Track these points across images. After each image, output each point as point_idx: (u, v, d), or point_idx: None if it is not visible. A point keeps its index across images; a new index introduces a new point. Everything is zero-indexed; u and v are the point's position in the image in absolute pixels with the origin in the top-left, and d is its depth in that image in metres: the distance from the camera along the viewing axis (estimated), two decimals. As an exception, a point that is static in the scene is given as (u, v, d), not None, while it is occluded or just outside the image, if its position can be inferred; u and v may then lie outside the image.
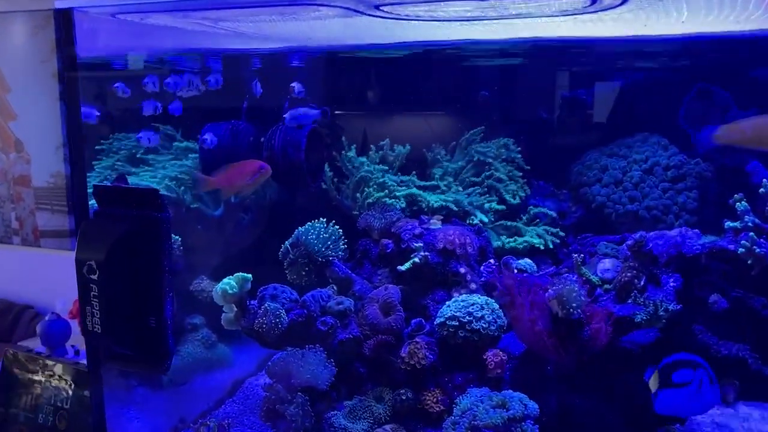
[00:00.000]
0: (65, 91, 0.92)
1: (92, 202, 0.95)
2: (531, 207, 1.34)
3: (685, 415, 1.02)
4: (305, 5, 0.89)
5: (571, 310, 0.97)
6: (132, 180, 1.28)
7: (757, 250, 0.95)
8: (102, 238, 0.89)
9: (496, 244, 1.29)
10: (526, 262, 1.23)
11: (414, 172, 1.37)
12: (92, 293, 0.88)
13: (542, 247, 1.25)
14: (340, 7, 0.87)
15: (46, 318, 1.57)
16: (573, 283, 0.98)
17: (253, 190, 1.25)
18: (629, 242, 1.04)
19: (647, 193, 1.27)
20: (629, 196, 1.28)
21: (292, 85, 1.21)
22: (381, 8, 0.88)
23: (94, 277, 0.88)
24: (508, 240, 1.27)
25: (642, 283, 1.02)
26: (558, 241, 1.29)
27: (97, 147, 1.42)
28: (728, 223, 1.03)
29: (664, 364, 0.93)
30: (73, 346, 1.60)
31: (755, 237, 0.96)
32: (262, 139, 1.32)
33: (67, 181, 2.25)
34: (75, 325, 1.65)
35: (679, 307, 0.98)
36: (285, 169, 1.30)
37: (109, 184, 0.94)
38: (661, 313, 0.97)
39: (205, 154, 1.30)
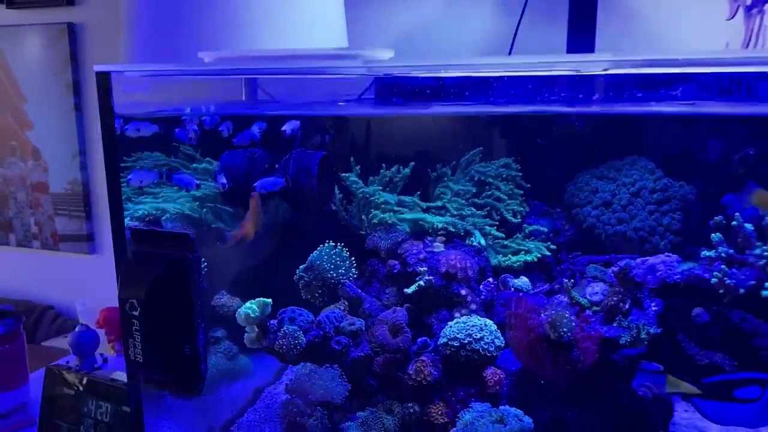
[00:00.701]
0: (104, 137, 1.01)
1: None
2: (526, 225, 1.44)
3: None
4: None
5: (562, 333, 1.08)
6: (156, 200, 1.39)
7: (728, 281, 1.06)
8: (141, 278, 1.00)
9: (494, 261, 1.40)
10: (522, 281, 1.34)
11: (418, 192, 1.47)
12: (134, 327, 0.99)
13: (535, 260, 1.36)
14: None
15: (77, 329, 1.69)
16: (564, 310, 1.09)
17: (262, 216, 1.34)
18: (615, 269, 1.15)
19: (635, 215, 1.37)
20: (618, 217, 1.38)
21: (283, 129, 1.32)
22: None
23: (136, 313, 0.99)
24: (504, 259, 1.37)
25: (627, 306, 1.13)
26: (549, 253, 1.39)
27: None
28: (704, 252, 1.13)
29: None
30: (101, 355, 1.72)
31: (726, 269, 1.06)
32: (277, 166, 1.42)
33: (83, 188, 2.35)
34: (102, 335, 1.77)
35: (659, 330, 1.09)
36: (298, 193, 1.40)
37: (142, 226, 1.04)
38: (643, 336, 1.08)
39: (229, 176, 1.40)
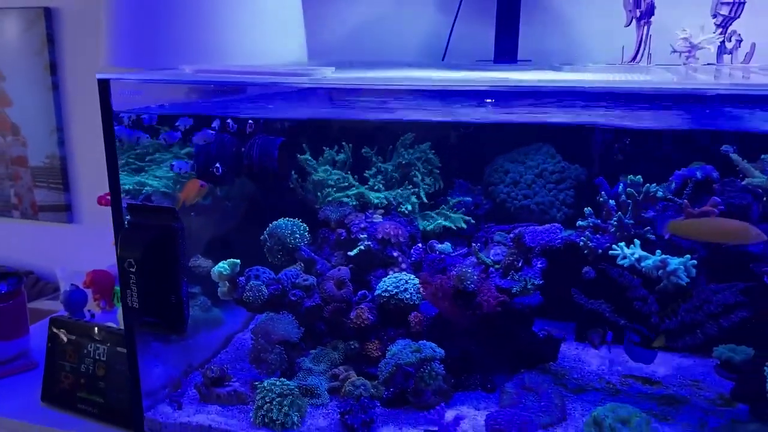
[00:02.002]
0: (106, 142, 1.26)
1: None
2: (450, 198, 1.74)
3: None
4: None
5: (467, 285, 1.39)
6: (141, 176, 1.65)
7: (590, 244, 1.38)
8: (137, 242, 1.27)
9: (422, 226, 1.70)
10: (445, 245, 1.64)
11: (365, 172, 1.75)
12: (131, 281, 1.27)
13: (455, 228, 1.66)
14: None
15: (68, 289, 1.94)
16: (467, 266, 1.40)
17: (198, 198, 1.62)
18: (512, 235, 1.46)
19: (537, 192, 1.68)
20: (524, 193, 1.69)
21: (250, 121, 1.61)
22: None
23: (132, 270, 1.26)
24: (426, 224, 1.67)
25: (519, 264, 1.45)
26: (467, 225, 1.69)
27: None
28: (579, 222, 1.45)
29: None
30: (89, 311, 1.97)
31: (590, 235, 1.39)
32: (243, 149, 1.69)
33: (61, 162, 2.56)
34: (90, 294, 2.03)
35: (541, 281, 1.41)
36: (261, 174, 1.68)
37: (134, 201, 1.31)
38: (529, 287, 1.40)
39: (198, 160, 1.66)
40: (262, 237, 1.60)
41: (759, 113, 1.22)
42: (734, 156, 1.36)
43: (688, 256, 1.28)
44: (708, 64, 1.53)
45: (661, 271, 1.26)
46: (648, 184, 1.37)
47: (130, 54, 1.64)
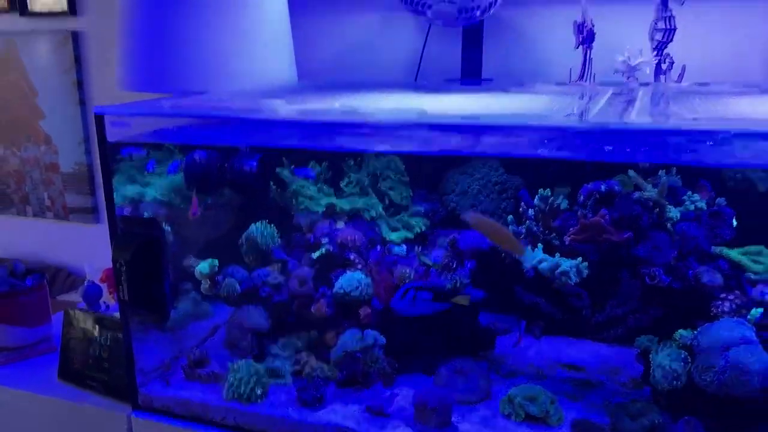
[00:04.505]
0: (102, 168, 1.54)
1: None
2: (411, 207, 1.97)
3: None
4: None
5: (407, 282, 1.63)
6: (142, 188, 1.93)
7: (503, 247, 1.61)
8: (127, 247, 1.54)
9: (386, 234, 1.94)
10: (401, 248, 1.88)
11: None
12: (122, 277, 1.54)
13: (412, 236, 1.90)
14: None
15: (85, 283, 2.25)
16: (408, 267, 1.65)
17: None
18: (448, 240, 1.69)
19: (482, 201, 1.91)
20: (471, 202, 1.92)
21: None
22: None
23: (123, 269, 1.54)
24: (389, 232, 1.92)
25: (454, 265, 1.68)
26: (424, 229, 1.92)
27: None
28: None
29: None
30: (104, 302, 2.28)
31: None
32: (226, 165, 1.96)
33: (88, 169, 2.87)
34: (105, 288, 2.33)
35: (468, 280, 1.64)
36: (242, 185, 1.95)
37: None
38: (459, 285, 1.63)
39: (188, 175, 1.93)
40: (239, 241, 1.86)
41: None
42: (631, 172, 1.56)
43: (580, 258, 1.49)
44: (645, 83, 1.73)
45: (556, 272, 1.48)
46: (553, 197, 1.59)
47: (139, 80, 1.91)
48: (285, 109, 1.49)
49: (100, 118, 1.51)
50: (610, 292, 1.68)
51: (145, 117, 1.59)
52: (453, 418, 1.51)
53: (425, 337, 1.73)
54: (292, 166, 1.98)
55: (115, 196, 1.60)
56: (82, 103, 2.82)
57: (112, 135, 1.56)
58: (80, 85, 2.79)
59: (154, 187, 2.00)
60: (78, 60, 2.77)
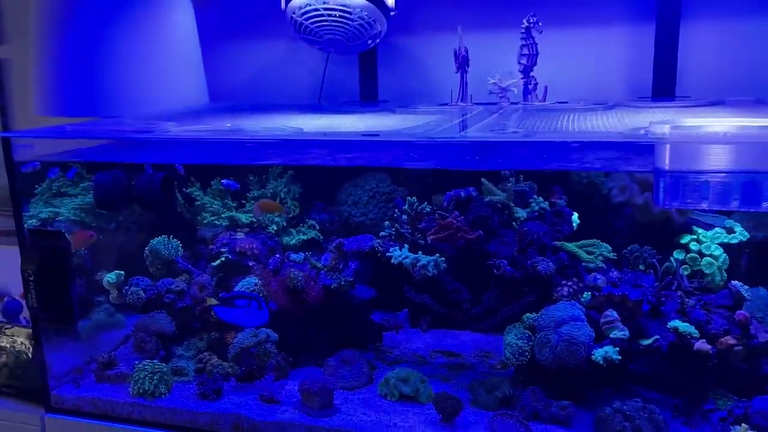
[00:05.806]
0: (11, 187, 1.69)
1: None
2: (307, 219, 2.17)
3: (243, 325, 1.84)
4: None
5: (295, 283, 1.82)
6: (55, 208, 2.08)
7: (379, 248, 1.82)
8: (34, 257, 1.69)
9: (286, 241, 2.13)
10: (298, 255, 2.07)
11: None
12: (31, 286, 1.69)
13: (304, 239, 2.09)
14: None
15: (5, 299, 2.36)
16: (297, 270, 1.84)
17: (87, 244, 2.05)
18: (334, 244, 1.89)
19: (371, 210, 2.12)
20: (361, 212, 2.12)
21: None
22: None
23: (31, 278, 1.68)
24: (288, 238, 2.11)
25: (340, 266, 1.88)
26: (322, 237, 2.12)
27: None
28: (381, 233, 1.89)
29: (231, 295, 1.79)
30: (25, 317, 2.38)
31: (382, 242, 1.83)
32: (133, 183, 2.12)
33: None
34: (24, 304, 2.44)
35: (352, 278, 1.83)
36: (149, 202, 2.11)
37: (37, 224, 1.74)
38: (343, 283, 1.82)
39: (97, 195, 2.08)
40: (144, 253, 2.02)
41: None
42: (483, 180, 1.80)
43: (437, 255, 1.72)
44: (514, 102, 1.96)
45: (416, 266, 1.69)
46: (419, 203, 1.81)
47: (53, 106, 2.07)
48: (174, 130, 1.67)
49: (6, 141, 1.67)
50: (487, 286, 1.90)
51: (50, 139, 1.75)
52: (336, 401, 1.69)
53: (319, 333, 1.91)
54: (219, 178, 2.15)
55: (28, 216, 1.75)
56: (6, 128, 2.92)
57: (22, 155, 1.71)
58: (3, 110, 2.89)
59: (66, 208, 2.15)
60: (1, 86, 2.88)
